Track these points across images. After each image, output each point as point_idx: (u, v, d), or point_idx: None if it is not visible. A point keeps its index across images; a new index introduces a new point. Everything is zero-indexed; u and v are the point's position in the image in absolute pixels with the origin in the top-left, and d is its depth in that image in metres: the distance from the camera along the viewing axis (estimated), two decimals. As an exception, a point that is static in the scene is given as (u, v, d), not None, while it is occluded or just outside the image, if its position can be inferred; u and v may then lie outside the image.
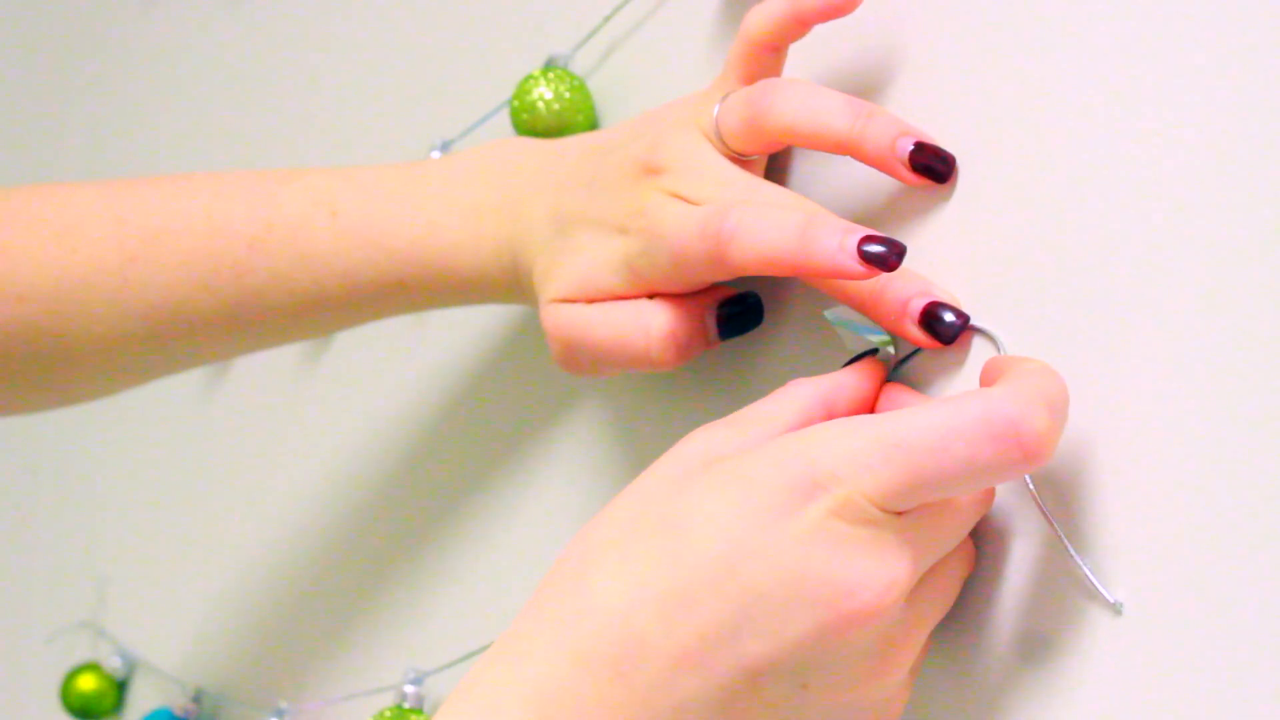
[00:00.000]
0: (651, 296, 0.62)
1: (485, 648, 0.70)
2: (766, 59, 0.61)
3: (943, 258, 0.58)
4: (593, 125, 0.74)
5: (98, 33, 1.10)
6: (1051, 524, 0.54)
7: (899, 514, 0.51)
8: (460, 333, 0.80)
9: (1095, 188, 0.54)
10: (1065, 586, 0.54)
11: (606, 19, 0.73)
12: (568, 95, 0.73)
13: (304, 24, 0.93)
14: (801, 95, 0.59)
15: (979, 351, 0.57)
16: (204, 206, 0.68)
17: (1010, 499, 0.55)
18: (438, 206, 0.67)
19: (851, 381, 0.57)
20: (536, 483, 0.76)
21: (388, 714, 0.75)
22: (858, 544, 0.50)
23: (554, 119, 0.73)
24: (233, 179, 0.70)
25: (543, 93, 0.73)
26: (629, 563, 0.51)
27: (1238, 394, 0.50)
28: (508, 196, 0.66)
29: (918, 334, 0.57)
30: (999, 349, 0.56)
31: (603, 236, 0.62)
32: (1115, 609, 0.52)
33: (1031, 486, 0.54)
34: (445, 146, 0.80)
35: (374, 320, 0.71)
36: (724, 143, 0.61)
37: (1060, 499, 0.54)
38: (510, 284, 0.67)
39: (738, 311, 0.63)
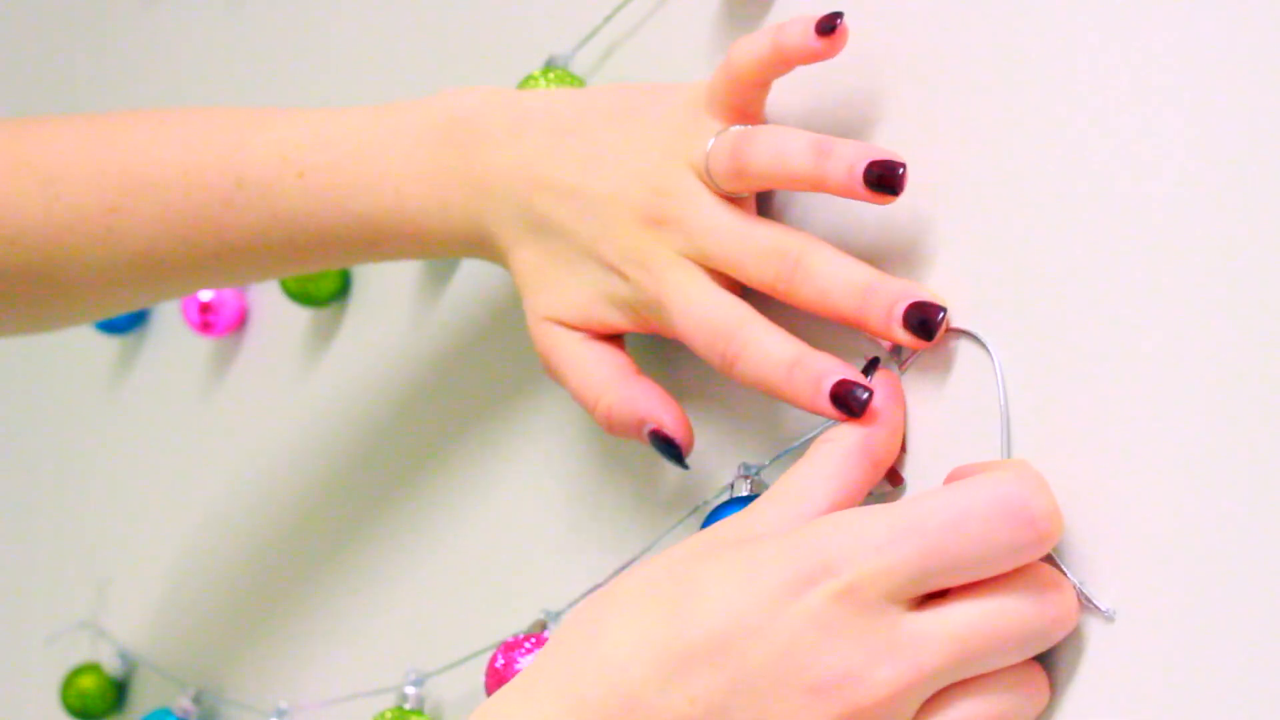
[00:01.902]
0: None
1: (486, 649, 0.70)
2: (750, 93, 0.62)
3: (937, 263, 0.59)
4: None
5: (98, 33, 1.10)
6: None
7: (913, 607, 0.52)
8: (461, 335, 0.80)
9: (1087, 195, 0.54)
10: None
11: (607, 19, 0.73)
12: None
13: (304, 24, 0.93)
14: (770, 142, 0.60)
15: (981, 356, 0.57)
16: (178, 157, 0.70)
17: None
18: (403, 173, 0.68)
19: (880, 417, 0.57)
20: (539, 485, 0.76)
21: (389, 715, 0.75)
22: (856, 634, 0.51)
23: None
24: (204, 124, 0.72)
25: (543, 93, 0.73)
26: (639, 618, 0.53)
27: (1227, 403, 0.50)
28: (473, 167, 0.67)
29: (906, 337, 0.57)
30: (990, 354, 0.56)
31: (598, 271, 0.64)
32: (1107, 617, 0.52)
33: None
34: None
35: (360, 265, 0.73)
36: (716, 185, 0.62)
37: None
38: (481, 248, 0.68)
39: (664, 445, 0.64)
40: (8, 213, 0.71)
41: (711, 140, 0.62)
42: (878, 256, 0.60)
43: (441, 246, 0.69)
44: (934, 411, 0.58)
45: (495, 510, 0.78)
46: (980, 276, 0.57)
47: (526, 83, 0.73)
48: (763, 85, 0.62)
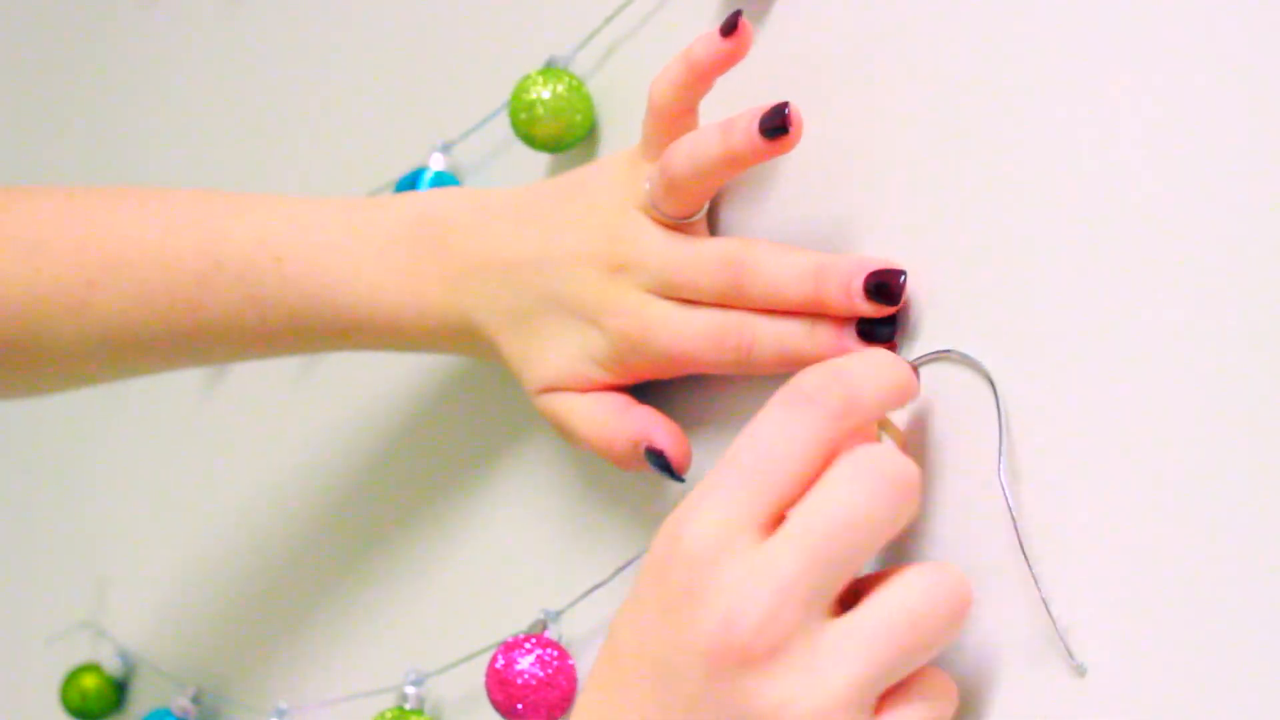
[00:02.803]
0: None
1: (486, 648, 0.70)
2: (679, 124, 0.64)
3: (932, 276, 0.59)
4: (591, 126, 0.74)
5: (97, 33, 1.10)
6: (1035, 582, 0.53)
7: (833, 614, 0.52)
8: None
9: (1078, 205, 0.54)
10: (1030, 643, 0.54)
11: (607, 20, 0.73)
12: (565, 95, 0.73)
13: (303, 25, 0.93)
14: (686, 145, 0.63)
15: (962, 376, 0.57)
16: (158, 238, 0.72)
17: (994, 550, 0.55)
18: (377, 269, 0.70)
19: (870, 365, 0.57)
20: (540, 485, 0.76)
21: (389, 715, 0.75)
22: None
23: (552, 120, 0.73)
24: (186, 206, 0.73)
25: (540, 94, 0.73)
26: (598, 667, 0.55)
27: (1210, 455, 0.50)
28: (447, 263, 0.69)
29: (869, 307, 0.59)
30: (991, 383, 0.56)
31: (574, 329, 0.66)
32: (1079, 670, 0.52)
33: (1020, 540, 0.54)
34: (446, 148, 0.80)
35: (329, 352, 0.75)
36: (662, 213, 0.64)
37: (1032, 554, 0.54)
38: (464, 339, 0.70)
39: (658, 460, 0.65)
40: None
41: (648, 183, 0.64)
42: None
43: (419, 340, 0.71)
44: (935, 411, 0.58)
45: (496, 510, 0.78)
46: (973, 290, 0.57)
47: (524, 84, 0.73)
48: (687, 112, 0.64)
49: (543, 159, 0.76)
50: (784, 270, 0.61)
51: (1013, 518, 0.54)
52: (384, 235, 0.70)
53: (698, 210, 0.64)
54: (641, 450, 0.65)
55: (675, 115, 0.64)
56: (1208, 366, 0.50)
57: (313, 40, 0.92)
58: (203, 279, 0.71)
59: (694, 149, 0.62)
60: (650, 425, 0.65)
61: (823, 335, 0.60)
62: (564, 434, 0.68)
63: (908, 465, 0.52)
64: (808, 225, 0.64)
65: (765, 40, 0.66)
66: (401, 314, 0.70)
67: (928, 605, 0.51)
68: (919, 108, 0.60)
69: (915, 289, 0.59)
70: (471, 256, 0.69)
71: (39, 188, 0.76)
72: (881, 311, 0.59)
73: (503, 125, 0.76)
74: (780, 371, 0.62)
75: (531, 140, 0.74)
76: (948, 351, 0.58)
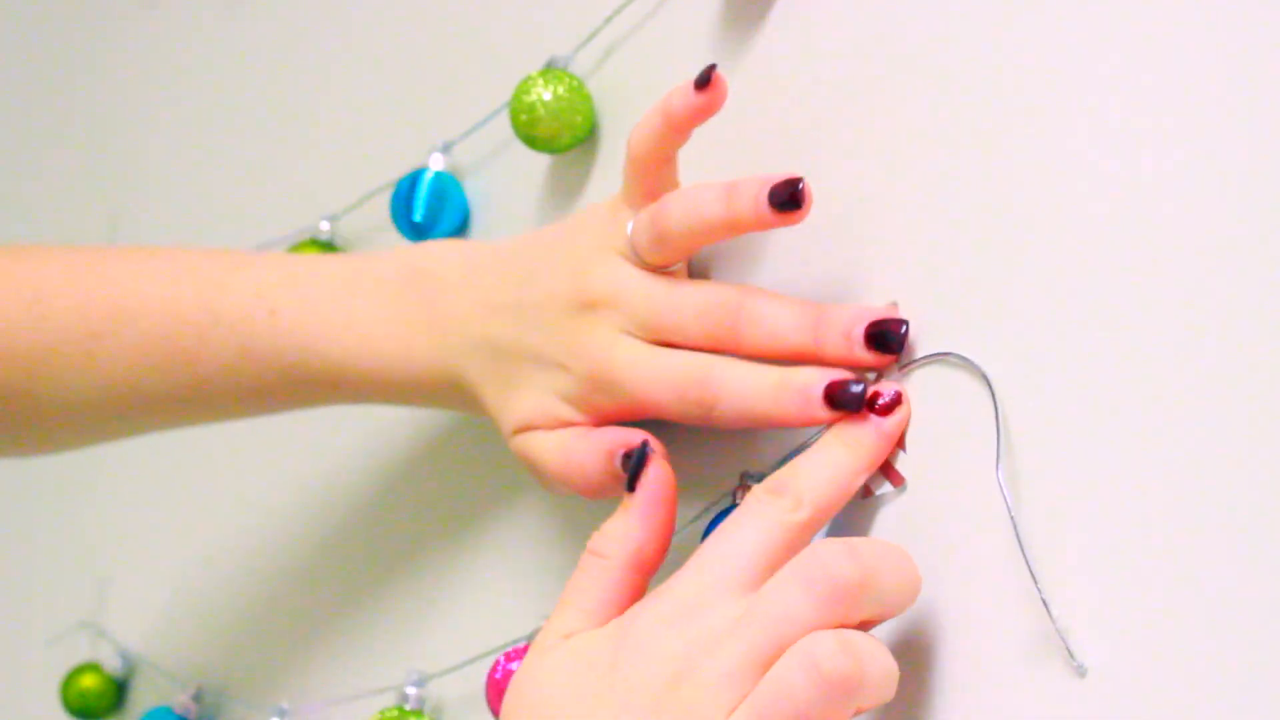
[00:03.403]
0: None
1: (488, 652, 0.70)
2: (657, 173, 0.64)
3: (924, 276, 0.59)
4: (591, 126, 0.74)
5: (97, 33, 1.10)
6: (1035, 582, 0.53)
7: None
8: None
9: (1072, 205, 0.54)
10: (1030, 643, 0.54)
11: (607, 20, 0.73)
12: (565, 96, 0.73)
13: (303, 25, 0.93)
14: (685, 201, 0.62)
15: (962, 377, 0.57)
16: (160, 291, 0.73)
17: (994, 550, 0.55)
18: (367, 321, 0.70)
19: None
20: (542, 492, 0.76)
21: (389, 714, 0.75)
22: None
23: (552, 120, 0.73)
24: (189, 261, 0.74)
25: (540, 94, 0.73)
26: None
27: (1209, 455, 0.50)
28: (435, 314, 0.69)
29: (870, 356, 0.58)
30: (988, 383, 0.56)
31: (545, 371, 0.66)
32: (1079, 670, 0.52)
33: (1019, 540, 0.54)
34: (446, 148, 0.80)
35: (323, 407, 0.75)
36: (643, 260, 0.63)
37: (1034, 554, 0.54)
38: (451, 392, 0.70)
39: (639, 460, 0.63)
40: None
41: (630, 224, 0.64)
42: (864, 274, 0.61)
43: (408, 393, 0.71)
44: (934, 413, 0.58)
45: (499, 513, 0.78)
46: (972, 293, 0.57)
47: (524, 84, 0.73)
48: (665, 161, 0.64)
49: (543, 159, 0.76)
50: (783, 317, 0.60)
51: (1012, 518, 0.54)
52: (375, 289, 0.71)
53: (679, 262, 0.64)
54: (617, 460, 0.63)
55: (654, 165, 0.63)
56: (1206, 367, 0.50)
57: (313, 40, 0.92)
58: (201, 332, 0.72)
59: (692, 207, 0.61)
60: (620, 433, 0.64)
61: (788, 401, 0.59)
62: (537, 475, 0.67)
63: (845, 568, 0.53)
64: (808, 222, 0.64)
65: (764, 41, 0.66)
66: (390, 366, 0.70)
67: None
68: (918, 108, 0.60)
69: (917, 290, 0.59)
70: (457, 309, 0.69)
71: (45, 245, 0.78)
72: (880, 362, 0.59)
73: (503, 125, 0.76)
74: (742, 428, 0.61)
75: (532, 141, 0.74)
76: (946, 354, 0.58)
